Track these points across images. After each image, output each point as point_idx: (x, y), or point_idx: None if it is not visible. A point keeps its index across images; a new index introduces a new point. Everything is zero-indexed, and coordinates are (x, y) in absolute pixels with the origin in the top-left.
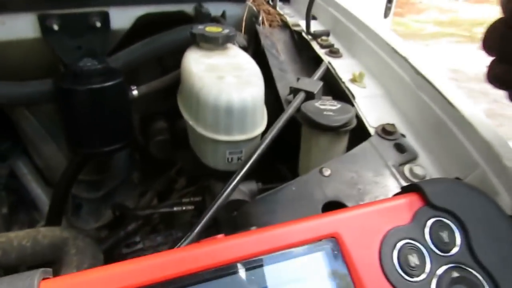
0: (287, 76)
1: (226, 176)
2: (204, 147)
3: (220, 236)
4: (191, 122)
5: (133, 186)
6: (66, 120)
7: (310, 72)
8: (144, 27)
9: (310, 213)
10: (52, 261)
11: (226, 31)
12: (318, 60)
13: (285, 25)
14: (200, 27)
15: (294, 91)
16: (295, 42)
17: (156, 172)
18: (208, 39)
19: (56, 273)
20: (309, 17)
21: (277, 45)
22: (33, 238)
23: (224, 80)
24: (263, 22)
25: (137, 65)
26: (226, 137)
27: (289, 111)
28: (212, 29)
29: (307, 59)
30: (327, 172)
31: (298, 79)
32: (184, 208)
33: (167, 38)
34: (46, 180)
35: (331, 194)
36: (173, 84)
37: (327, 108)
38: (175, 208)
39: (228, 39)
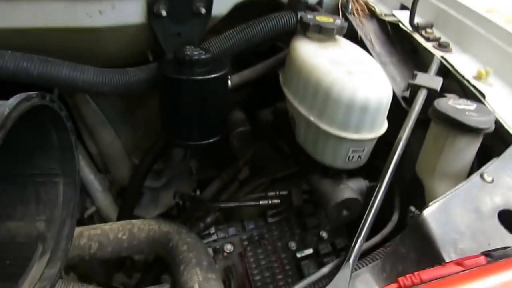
0: (387, 68)
1: (334, 173)
2: (324, 143)
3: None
4: (312, 118)
5: (190, 175)
6: (166, 110)
7: (410, 66)
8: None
9: (486, 222)
10: (157, 257)
11: (339, 21)
12: (417, 54)
13: (373, 15)
14: (310, 16)
15: (413, 87)
16: (388, 33)
17: (212, 161)
18: (323, 30)
19: (175, 272)
20: (415, 7)
21: (370, 36)
22: (128, 231)
23: (354, 76)
24: (352, 12)
25: (231, 53)
26: (354, 135)
27: (415, 109)
28: (322, 18)
29: (402, 51)
30: (489, 177)
31: (414, 74)
32: (270, 202)
33: (263, 25)
34: (98, 168)
35: (502, 201)
36: (266, 73)
37: (464, 107)
38: (261, 202)
39: (342, 30)
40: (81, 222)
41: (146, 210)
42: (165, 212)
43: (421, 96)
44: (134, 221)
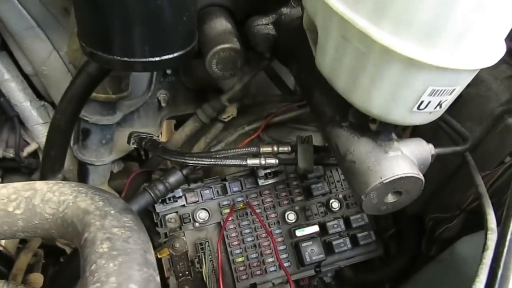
0: None
1: (381, 131)
2: (376, 73)
3: None
4: (359, 22)
5: (158, 110)
6: (91, 9)
7: None
8: None
9: None
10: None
11: None
12: None
13: None
14: None
15: None
16: None
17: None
18: None
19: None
20: None
21: None
22: (25, 203)
23: None
24: None
25: None
26: (444, 59)
27: None
28: None
29: None
30: None
31: None
32: (264, 162)
33: None
34: (37, 92)
35: None
36: None
37: None
38: (249, 162)
39: None
40: (18, 162)
41: (96, 155)
42: (126, 157)
43: None
44: (38, 184)
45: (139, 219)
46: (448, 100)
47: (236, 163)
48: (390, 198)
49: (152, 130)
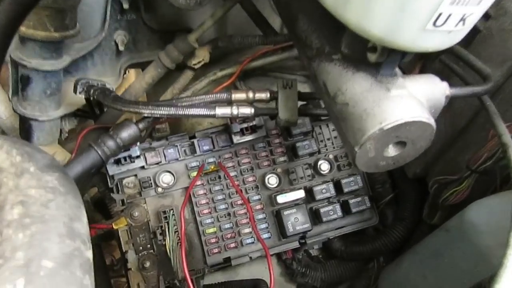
0: None
1: (382, 62)
2: None
3: None
4: None
5: (116, 56)
6: None
7: None
8: None
9: None
10: None
11: None
12: None
13: None
14: None
15: None
16: None
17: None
18: None
19: None
20: None
21: None
22: None
23: None
24: None
25: None
26: None
27: None
28: None
29: None
30: None
31: None
32: (237, 112)
33: None
34: None
35: None
36: None
37: None
38: (218, 111)
39: None
40: None
41: (39, 108)
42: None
43: None
44: None
45: (69, 180)
46: (474, 14)
47: (202, 112)
48: (391, 151)
49: (111, 80)
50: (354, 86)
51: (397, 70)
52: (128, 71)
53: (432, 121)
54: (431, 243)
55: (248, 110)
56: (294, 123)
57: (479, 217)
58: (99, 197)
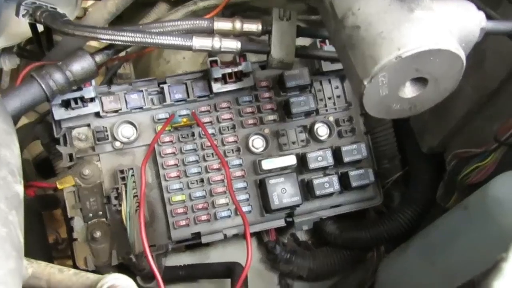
0: None
1: None
2: None
3: None
4: None
5: None
6: None
7: None
8: None
9: None
10: None
11: None
12: None
13: None
14: None
15: None
16: None
17: None
18: None
19: None
20: None
21: None
22: None
23: None
24: None
25: None
26: None
27: None
28: None
29: None
30: None
31: None
32: (220, 45)
33: None
34: None
35: None
36: None
37: None
38: (196, 43)
39: None
40: None
41: None
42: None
43: None
44: None
45: None
46: None
47: (176, 42)
48: (409, 90)
49: (66, 11)
50: (369, 5)
51: None
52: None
53: (462, 54)
54: (444, 224)
55: (233, 44)
56: (289, 64)
57: (506, 192)
58: (42, 159)
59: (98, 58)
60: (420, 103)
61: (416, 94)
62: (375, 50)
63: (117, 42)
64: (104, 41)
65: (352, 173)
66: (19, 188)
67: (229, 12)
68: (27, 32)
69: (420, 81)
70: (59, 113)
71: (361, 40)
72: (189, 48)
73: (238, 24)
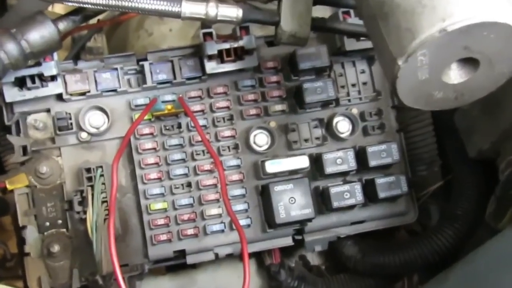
0: None
1: None
2: None
3: None
4: None
5: None
6: None
7: None
8: None
9: None
10: None
11: None
12: None
13: None
14: None
15: None
16: None
17: None
18: None
19: None
20: None
21: None
22: None
23: None
24: None
25: None
26: None
27: None
28: None
29: None
30: None
31: None
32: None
33: None
34: None
35: None
36: None
37: None
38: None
39: None
40: None
41: None
42: None
43: None
44: None
45: None
46: None
47: (160, 6)
48: (455, 74)
49: None
50: None
51: None
52: None
53: None
54: (494, 249)
55: (232, 12)
56: (303, 39)
57: None
58: None
59: (62, 25)
60: (468, 91)
61: (464, 79)
62: (414, 21)
63: (86, 6)
64: (70, 4)
65: (380, 181)
66: None
67: None
68: None
69: (470, 62)
70: (11, 94)
71: (395, 7)
72: (177, 15)
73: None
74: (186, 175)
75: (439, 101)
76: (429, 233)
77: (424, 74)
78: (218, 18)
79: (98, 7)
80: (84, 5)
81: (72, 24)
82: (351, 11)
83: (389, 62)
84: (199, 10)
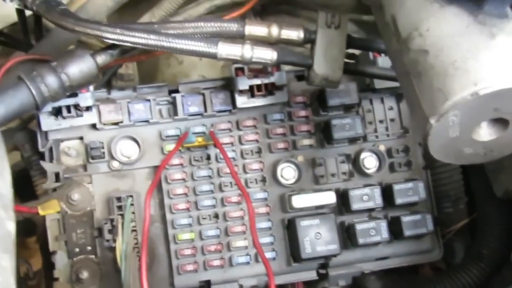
0: None
1: None
2: None
3: None
4: None
5: None
6: None
7: None
8: None
9: None
10: None
11: None
12: None
13: None
14: None
15: None
16: None
17: None
18: None
19: None
20: None
21: None
22: None
23: None
24: None
25: None
26: None
27: None
28: None
29: None
30: None
31: None
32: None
33: None
34: None
35: None
36: None
37: None
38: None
39: None
40: None
41: None
42: None
43: None
44: None
45: None
46: None
47: (197, 48)
48: (485, 132)
49: None
50: (441, 26)
51: (509, 10)
52: None
53: None
54: None
55: (268, 54)
56: (335, 83)
57: None
58: (20, 170)
59: (101, 59)
60: (498, 147)
61: (494, 137)
62: (446, 83)
63: (125, 44)
64: (111, 41)
65: (406, 218)
66: (12, 226)
67: (259, 6)
68: (12, 17)
69: (499, 122)
70: (47, 123)
71: (429, 68)
72: (213, 56)
73: (275, 30)
74: (213, 206)
75: (469, 157)
76: (453, 271)
77: (455, 132)
78: (253, 60)
79: (138, 46)
80: (123, 43)
81: (110, 58)
82: None
83: (421, 119)
84: (235, 51)
